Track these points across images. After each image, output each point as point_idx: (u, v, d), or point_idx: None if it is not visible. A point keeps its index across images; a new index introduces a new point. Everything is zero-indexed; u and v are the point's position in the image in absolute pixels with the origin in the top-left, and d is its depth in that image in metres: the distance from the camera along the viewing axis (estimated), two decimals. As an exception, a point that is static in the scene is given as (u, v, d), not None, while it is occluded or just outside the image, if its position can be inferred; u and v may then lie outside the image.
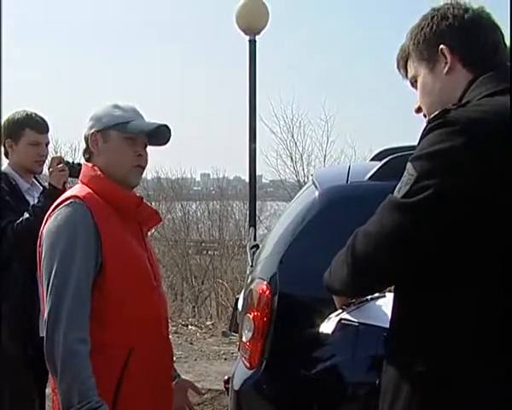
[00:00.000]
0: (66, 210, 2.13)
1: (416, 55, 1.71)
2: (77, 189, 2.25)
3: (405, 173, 1.49)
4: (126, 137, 2.22)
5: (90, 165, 2.28)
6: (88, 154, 2.29)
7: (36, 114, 3.35)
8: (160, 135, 2.30)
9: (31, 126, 3.29)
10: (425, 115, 1.73)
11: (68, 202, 2.15)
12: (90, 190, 2.20)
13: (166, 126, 2.29)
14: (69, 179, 3.33)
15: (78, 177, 3.29)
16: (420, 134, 1.53)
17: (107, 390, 2.04)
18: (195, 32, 42.74)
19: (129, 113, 2.26)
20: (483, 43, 1.64)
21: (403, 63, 1.78)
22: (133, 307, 2.14)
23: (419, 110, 1.75)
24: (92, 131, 2.24)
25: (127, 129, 2.22)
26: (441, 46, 1.64)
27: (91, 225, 2.11)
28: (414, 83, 1.75)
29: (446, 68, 1.64)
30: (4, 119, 3.26)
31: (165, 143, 2.34)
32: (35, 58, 41.73)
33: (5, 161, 3.33)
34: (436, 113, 1.49)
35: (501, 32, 1.68)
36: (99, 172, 2.23)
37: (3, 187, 3.18)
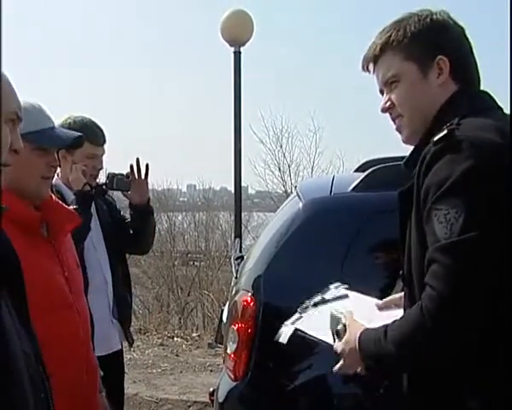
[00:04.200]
0: None
1: (404, 54, 1.64)
2: None
3: (441, 216, 1.42)
4: (37, 148, 2.03)
5: None
6: None
7: (93, 123, 3.10)
8: (75, 143, 2.21)
9: (87, 138, 2.91)
10: (394, 119, 1.69)
11: None
12: None
13: (80, 137, 2.21)
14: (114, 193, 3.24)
15: (125, 190, 3.21)
16: (422, 154, 1.50)
17: None
18: (181, 44, 42.80)
19: (37, 118, 2.06)
20: (470, 57, 1.65)
21: (373, 60, 1.70)
22: (42, 332, 1.86)
23: (388, 109, 1.69)
24: None
25: (40, 141, 2.04)
26: (440, 57, 1.61)
27: None
28: (392, 82, 1.67)
29: (441, 80, 1.62)
30: (58, 124, 2.96)
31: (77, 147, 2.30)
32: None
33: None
34: (442, 134, 1.46)
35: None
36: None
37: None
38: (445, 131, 1.46)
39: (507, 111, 1.62)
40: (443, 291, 1.38)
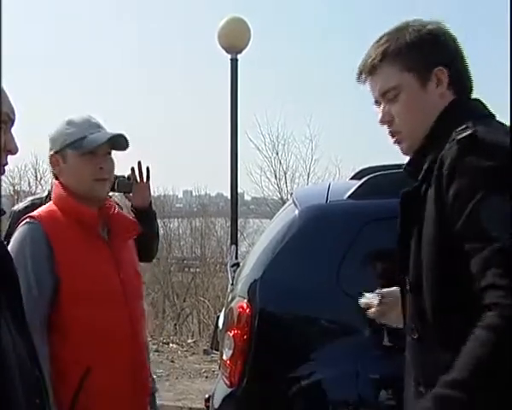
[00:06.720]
0: (19, 231, 2.19)
1: (403, 64, 1.61)
2: (42, 207, 2.32)
3: (484, 213, 1.37)
4: (83, 154, 2.23)
5: (56, 183, 2.32)
6: (54, 174, 2.33)
7: None
8: (117, 143, 2.30)
9: None
10: (392, 133, 1.64)
11: (23, 222, 2.21)
12: (54, 209, 2.25)
13: (122, 135, 2.30)
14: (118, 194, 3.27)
15: (127, 191, 3.27)
16: (440, 153, 1.47)
17: (63, 404, 2.06)
18: (178, 50, 42.82)
19: (82, 127, 2.26)
20: (464, 65, 1.65)
21: (371, 70, 1.65)
22: (89, 323, 2.14)
23: (388, 122, 1.65)
24: (51, 153, 2.28)
25: (82, 146, 2.22)
26: (439, 67, 1.59)
27: (43, 246, 2.14)
28: (391, 94, 1.62)
29: (440, 91, 1.60)
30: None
31: (124, 149, 2.35)
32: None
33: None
34: (466, 134, 1.44)
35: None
36: (62, 190, 2.27)
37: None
38: (469, 131, 1.43)
39: (498, 118, 1.63)
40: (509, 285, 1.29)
